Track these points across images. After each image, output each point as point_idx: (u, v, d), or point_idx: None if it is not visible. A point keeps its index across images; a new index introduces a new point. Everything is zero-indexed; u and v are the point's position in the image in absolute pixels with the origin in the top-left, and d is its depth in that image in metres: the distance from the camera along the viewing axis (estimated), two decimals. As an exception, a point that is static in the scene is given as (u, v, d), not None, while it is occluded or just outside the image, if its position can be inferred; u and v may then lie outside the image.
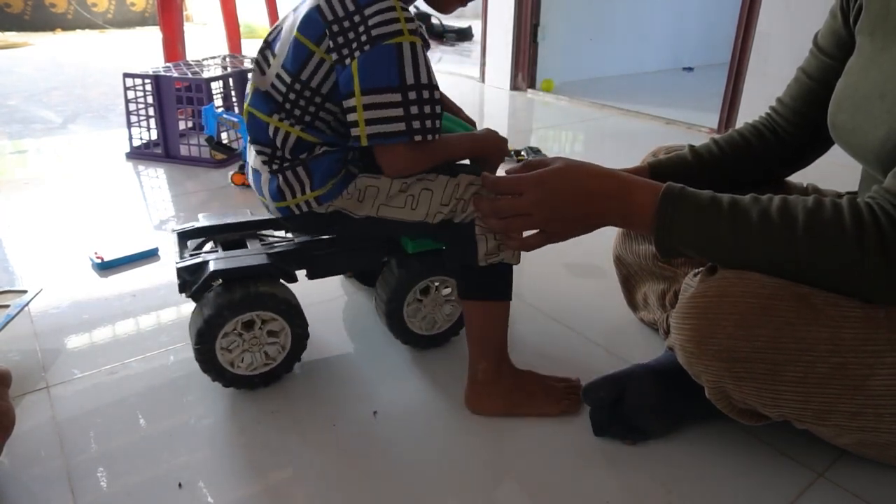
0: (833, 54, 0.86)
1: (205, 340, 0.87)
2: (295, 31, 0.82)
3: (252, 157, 0.90)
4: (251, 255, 0.93)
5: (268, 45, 0.88)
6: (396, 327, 1.01)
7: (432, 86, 0.79)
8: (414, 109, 0.78)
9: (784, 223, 0.66)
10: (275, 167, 0.86)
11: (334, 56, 0.79)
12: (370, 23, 0.77)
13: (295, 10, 0.86)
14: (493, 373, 0.91)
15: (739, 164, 0.96)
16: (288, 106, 0.83)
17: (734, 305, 0.66)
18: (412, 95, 0.78)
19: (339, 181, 0.85)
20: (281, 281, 0.94)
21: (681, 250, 0.72)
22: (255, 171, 0.90)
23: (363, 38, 0.77)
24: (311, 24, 0.80)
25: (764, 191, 0.75)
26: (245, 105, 0.89)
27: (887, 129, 0.69)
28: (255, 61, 0.89)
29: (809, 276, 0.66)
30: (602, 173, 0.77)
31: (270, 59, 0.86)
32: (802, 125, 0.92)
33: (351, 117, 0.80)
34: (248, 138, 0.89)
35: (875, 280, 0.63)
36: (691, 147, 0.99)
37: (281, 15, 0.91)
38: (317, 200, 0.86)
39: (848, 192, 0.89)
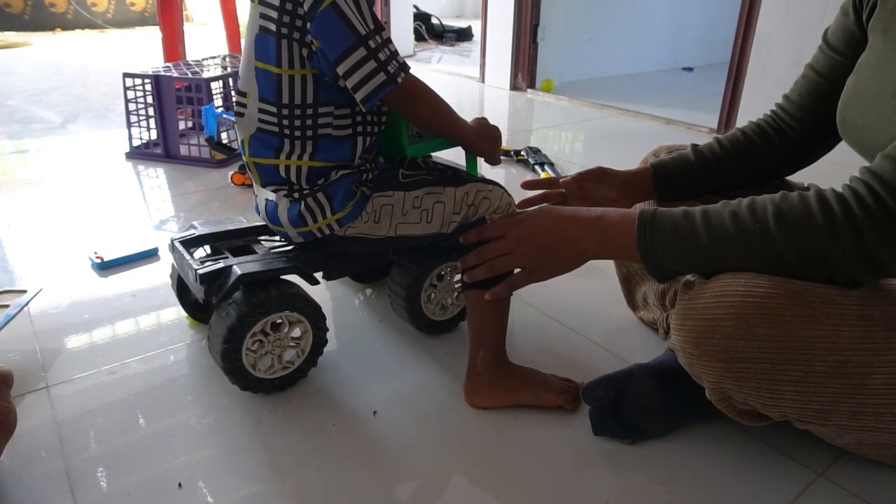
0: (843, 51, 0.85)
1: (235, 339, 0.86)
2: (254, 61, 0.83)
3: (265, 192, 0.91)
4: (271, 259, 0.93)
5: (238, 91, 0.89)
6: (413, 313, 1.05)
7: (382, 27, 0.81)
8: (381, 56, 0.80)
9: (755, 219, 0.67)
10: (295, 196, 0.88)
11: (305, 52, 0.81)
12: (301, 0, 0.79)
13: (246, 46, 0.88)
14: (492, 362, 0.92)
15: (743, 163, 0.96)
16: (287, 132, 0.84)
17: (731, 306, 0.66)
18: (373, 44, 0.80)
19: (357, 202, 0.88)
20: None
21: (672, 268, 0.74)
22: (271, 203, 0.90)
23: (304, 17, 0.79)
24: (265, 45, 0.82)
25: (766, 190, 0.75)
26: (245, 158, 0.90)
27: None
28: (235, 112, 0.90)
29: (794, 268, 0.67)
30: (577, 208, 0.82)
31: (244, 99, 0.87)
32: (809, 122, 0.92)
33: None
34: (260, 183, 0.90)
35: (852, 260, 0.64)
36: (694, 146, 0.99)
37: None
38: (338, 223, 0.88)
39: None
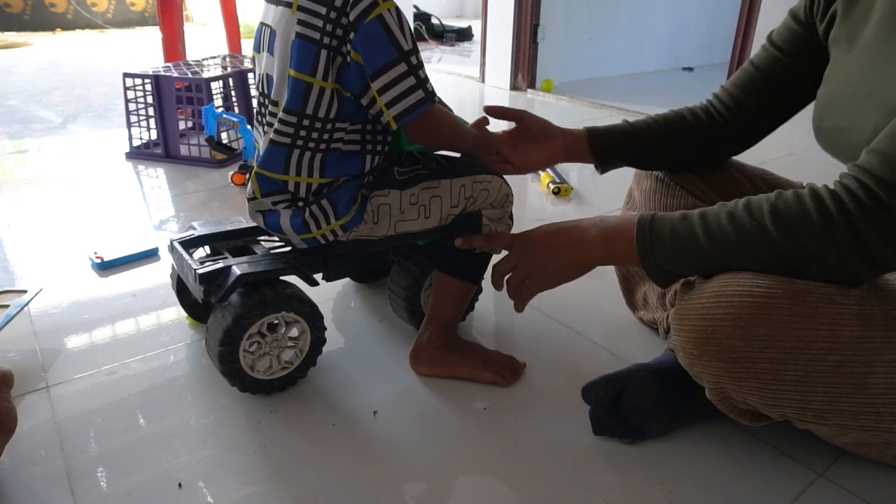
0: (784, 49, 0.91)
1: (231, 341, 0.86)
2: (288, 69, 0.81)
3: (260, 205, 0.90)
4: (271, 259, 0.93)
5: (265, 96, 0.87)
6: (413, 313, 1.06)
7: (418, 48, 0.82)
8: (420, 74, 0.81)
9: (752, 218, 0.68)
10: (299, 205, 0.87)
11: (339, 61, 0.79)
12: (347, 9, 0.78)
13: (269, 49, 0.84)
14: (438, 337, 0.98)
15: (671, 139, 1.00)
16: (300, 143, 0.83)
17: (731, 306, 0.67)
18: (414, 60, 0.80)
19: (359, 206, 0.88)
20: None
21: (672, 271, 0.74)
22: (272, 212, 0.90)
23: (347, 26, 0.78)
24: (303, 52, 0.79)
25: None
26: (255, 168, 0.88)
27: (875, 125, 0.71)
28: (260, 122, 0.89)
29: (792, 266, 0.67)
30: (576, 220, 0.84)
31: (276, 109, 0.84)
32: (736, 111, 0.97)
33: (375, 109, 0.81)
34: (260, 192, 0.88)
35: (850, 255, 0.64)
36: (626, 120, 1.04)
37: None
38: (342, 228, 0.88)
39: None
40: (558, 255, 0.82)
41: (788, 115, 0.95)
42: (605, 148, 1.00)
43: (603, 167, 1.03)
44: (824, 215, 0.64)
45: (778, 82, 0.92)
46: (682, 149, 1.00)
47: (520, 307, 0.88)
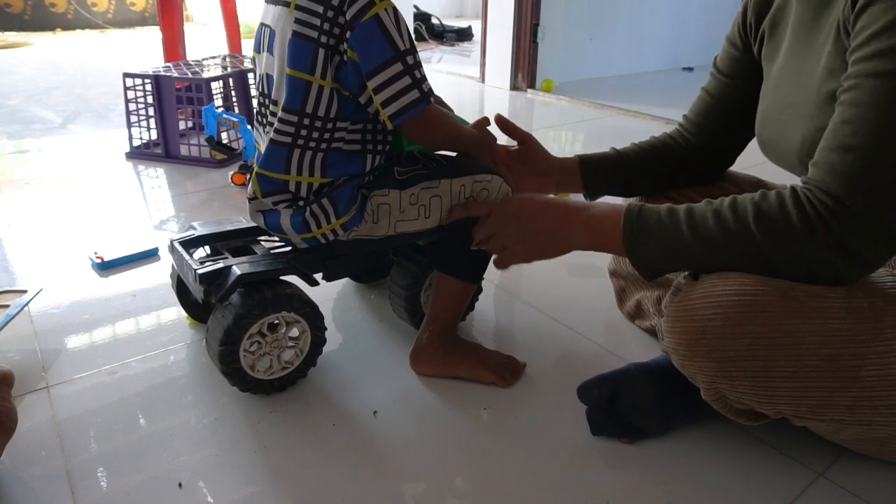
0: (729, 74, 0.95)
1: (231, 341, 0.86)
2: (286, 68, 0.81)
3: (260, 205, 0.91)
4: (271, 259, 0.93)
5: (265, 96, 0.87)
6: (413, 313, 1.06)
7: (416, 48, 0.82)
8: (416, 74, 0.80)
9: (736, 217, 0.69)
10: (300, 205, 0.87)
11: (336, 60, 0.80)
12: (344, 8, 0.78)
13: (269, 48, 0.85)
14: (438, 337, 0.98)
15: (657, 166, 1.03)
16: (301, 142, 0.83)
17: (719, 305, 0.67)
18: (410, 60, 0.80)
19: (360, 206, 0.88)
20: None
21: (657, 263, 0.75)
22: (273, 212, 0.90)
23: (344, 25, 0.78)
24: (300, 51, 0.80)
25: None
26: (255, 168, 0.89)
27: (802, 132, 0.74)
28: (261, 123, 0.88)
29: (777, 266, 0.68)
30: (560, 198, 0.86)
31: (276, 108, 0.85)
32: (700, 136, 1.00)
33: (373, 108, 0.81)
34: (261, 192, 0.88)
35: (832, 254, 0.65)
36: (613, 148, 1.06)
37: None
38: (342, 227, 0.88)
39: None
40: (538, 234, 0.84)
41: (752, 133, 0.98)
42: (596, 180, 1.03)
43: (592, 197, 1.05)
44: (805, 220, 0.65)
45: (730, 104, 0.96)
46: (669, 173, 1.03)
47: (500, 267, 0.90)
